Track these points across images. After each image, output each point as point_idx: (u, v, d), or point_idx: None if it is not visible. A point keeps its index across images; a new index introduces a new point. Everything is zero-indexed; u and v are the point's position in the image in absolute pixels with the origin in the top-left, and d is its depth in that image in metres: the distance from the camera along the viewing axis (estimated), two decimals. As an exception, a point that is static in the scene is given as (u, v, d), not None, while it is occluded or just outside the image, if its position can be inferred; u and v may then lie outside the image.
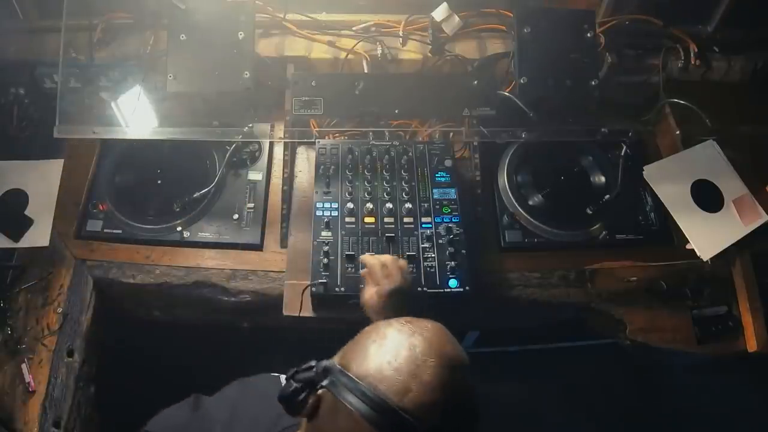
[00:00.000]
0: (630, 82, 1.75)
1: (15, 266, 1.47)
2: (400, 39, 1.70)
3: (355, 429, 0.70)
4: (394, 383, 0.70)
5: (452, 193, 1.46)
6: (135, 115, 1.56)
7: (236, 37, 1.53)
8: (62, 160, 1.62)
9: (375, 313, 1.16)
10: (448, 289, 1.32)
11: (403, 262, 1.23)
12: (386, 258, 1.22)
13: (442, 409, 0.71)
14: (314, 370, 0.76)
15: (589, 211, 1.56)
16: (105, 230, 1.52)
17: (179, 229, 1.51)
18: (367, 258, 1.24)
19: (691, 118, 1.64)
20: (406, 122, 1.67)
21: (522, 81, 1.56)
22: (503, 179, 1.60)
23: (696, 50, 1.71)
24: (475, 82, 1.57)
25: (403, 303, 1.16)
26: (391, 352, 0.74)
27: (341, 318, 1.39)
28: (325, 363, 0.77)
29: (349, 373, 0.73)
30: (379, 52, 1.66)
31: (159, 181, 1.60)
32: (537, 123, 1.55)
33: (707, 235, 1.53)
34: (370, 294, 1.18)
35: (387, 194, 1.45)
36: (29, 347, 1.37)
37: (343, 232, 1.39)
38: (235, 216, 1.54)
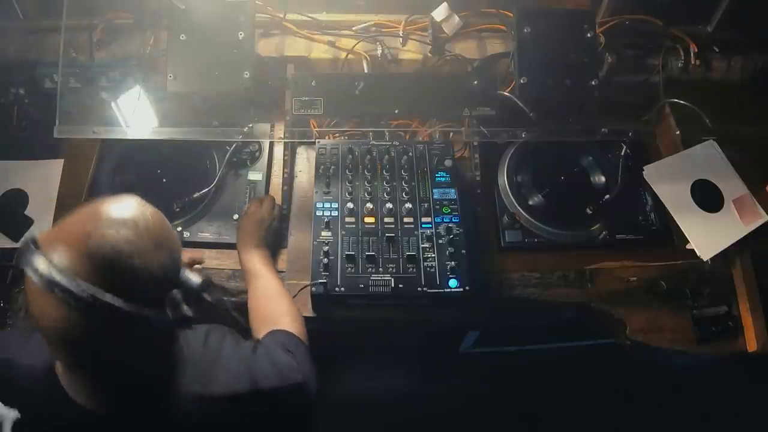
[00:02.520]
0: (630, 82, 1.75)
1: (15, 266, 1.47)
2: (400, 39, 1.70)
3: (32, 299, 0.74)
4: (56, 239, 0.73)
5: (452, 193, 1.46)
6: (135, 115, 1.56)
7: (236, 37, 1.53)
8: (62, 160, 1.62)
9: (239, 237, 1.39)
10: (448, 289, 1.32)
11: (271, 198, 1.48)
12: (263, 196, 1.52)
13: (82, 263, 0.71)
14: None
15: (589, 211, 1.56)
16: (105, 230, 1.52)
17: (179, 229, 1.51)
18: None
19: (691, 118, 1.64)
20: (406, 122, 1.67)
21: (522, 81, 1.56)
22: (503, 179, 1.60)
23: (696, 50, 1.71)
24: (475, 82, 1.57)
25: (260, 226, 1.39)
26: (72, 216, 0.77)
27: (341, 318, 1.39)
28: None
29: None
30: (379, 52, 1.66)
31: (159, 181, 1.59)
32: (537, 123, 1.55)
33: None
34: (242, 219, 1.41)
35: (387, 194, 1.45)
36: (29, 347, 1.37)
37: (343, 232, 1.39)
38: (235, 216, 1.54)
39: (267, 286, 1.28)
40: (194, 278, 0.82)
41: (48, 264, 0.70)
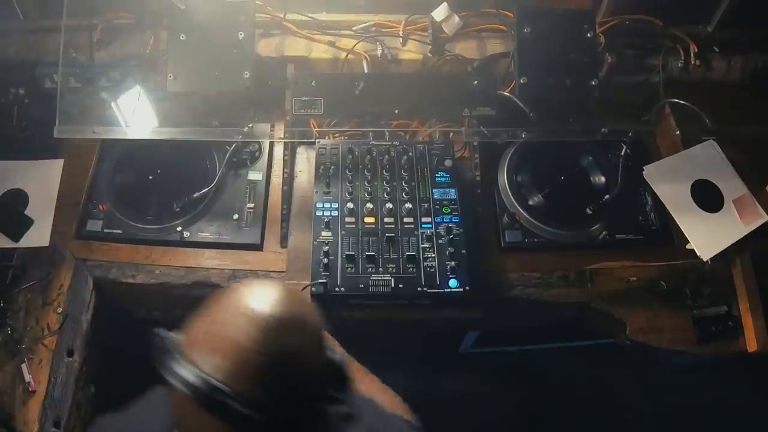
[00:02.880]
0: (630, 82, 1.75)
1: (15, 266, 1.47)
2: (400, 39, 1.70)
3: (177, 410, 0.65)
4: (203, 345, 0.64)
5: (452, 193, 1.46)
6: (135, 115, 1.56)
7: (236, 37, 1.53)
8: (62, 160, 1.62)
9: None
10: (448, 289, 1.32)
11: None
12: None
13: (258, 376, 0.62)
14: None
15: (589, 211, 1.56)
16: (105, 230, 1.52)
17: (179, 229, 1.51)
18: None
19: (691, 118, 1.64)
20: (406, 122, 1.67)
21: (522, 81, 1.56)
22: (503, 179, 1.60)
23: (696, 50, 1.72)
24: (475, 82, 1.57)
25: None
26: (211, 315, 0.67)
27: (341, 318, 1.39)
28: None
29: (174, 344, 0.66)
30: (379, 52, 1.66)
31: (159, 181, 1.59)
32: (537, 123, 1.55)
33: (707, 235, 1.53)
34: None
35: (387, 194, 1.45)
36: (29, 347, 1.37)
37: (343, 232, 1.39)
38: (235, 216, 1.54)
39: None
40: (336, 355, 0.74)
41: (200, 377, 0.61)
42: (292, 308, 0.70)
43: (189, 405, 0.63)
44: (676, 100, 1.68)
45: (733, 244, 1.51)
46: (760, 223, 1.55)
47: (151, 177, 1.60)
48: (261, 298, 0.69)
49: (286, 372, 0.65)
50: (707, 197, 1.58)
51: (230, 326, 0.65)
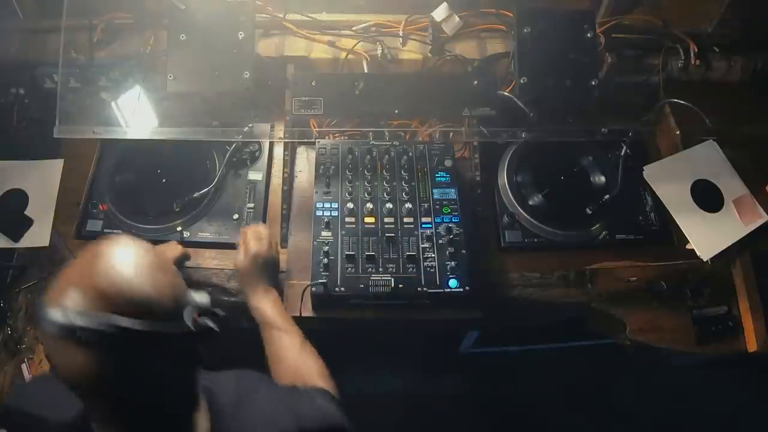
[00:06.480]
0: (630, 82, 1.75)
1: (15, 266, 1.47)
2: (400, 39, 1.70)
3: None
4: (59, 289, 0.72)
5: (452, 193, 1.46)
6: (135, 115, 1.56)
7: (236, 37, 1.53)
8: (62, 160, 1.62)
9: (242, 276, 1.32)
10: (448, 289, 1.32)
11: (269, 232, 1.38)
12: (258, 227, 1.39)
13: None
14: None
15: (589, 211, 1.56)
16: (105, 230, 1.52)
17: (179, 229, 1.51)
18: (243, 228, 1.40)
19: (691, 118, 1.64)
20: (406, 122, 1.66)
21: (522, 81, 1.56)
22: (503, 179, 1.60)
23: (696, 50, 1.71)
24: (475, 82, 1.57)
25: (265, 266, 1.32)
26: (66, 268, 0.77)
27: (341, 318, 1.39)
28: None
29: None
30: (379, 52, 1.66)
31: (159, 181, 1.59)
32: (537, 123, 1.55)
33: (707, 235, 1.53)
34: (239, 257, 1.32)
35: (387, 194, 1.45)
36: (29, 347, 1.37)
37: (343, 232, 1.39)
38: (235, 216, 1.54)
39: (287, 338, 1.22)
40: (202, 298, 0.82)
41: (62, 312, 0.69)
42: (151, 249, 0.81)
43: (60, 345, 0.70)
44: (676, 100, 1.67)
45: (733, 244, 1.51)
46: (760, 223, 1.55)
47: (151, 177, 1.60)
48: (121, 241, 0.80)
49: (139, 290, 0.73)
50: (707, 197, 1.58)
51: (86, 264, 0.75)
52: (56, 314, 0.69)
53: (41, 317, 0.71)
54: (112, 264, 0.74)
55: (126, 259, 0.76)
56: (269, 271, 1.34)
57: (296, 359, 1.19)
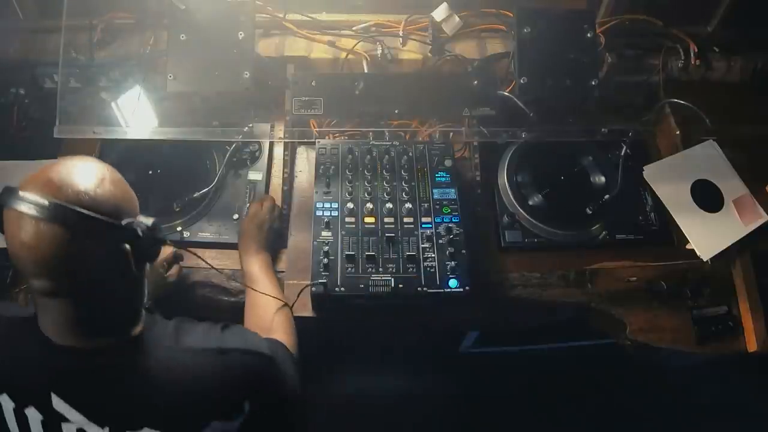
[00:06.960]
0: (630, 82, 1.75)
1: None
2: (400, 39, 1.70)
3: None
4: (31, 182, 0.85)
5: (452, 193, 1.46)
6: (135, 115, 1.56)
7: (236, 37, 1.53)
8: (62, 160, 1.62)
9: (239, 240, 1.40)
10: (448, 289, 1.32)
11: (272, 199, 1.48)
12: (264, 196, 1.50)
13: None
14: None
15: (589, 211, 1.56)
16: (105, 230, 1.52)
17: (179, 229, 1.51)
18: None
19: (691, 118, 1.64)
20: (406, 122, 1.67)
21: (522, 81, 1.56)
22: (503, 179, 1.60)
23: (696, 50, 1.72)
24: (475, 82, 1.57)
25: (261, 229, 1.40)
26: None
27: (341, 318, 1.39)
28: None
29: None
30: (379, 52, 1.66)
31: (159, 181, 1.59)
32: (537, 123, 1.55)
33: (707, 235, 1.53)
34: (243, 222, 1.42)
35: (387, 194, 1.45)
36: (29, 347, 1.37)
37: (343, 232, 1.39)
38: (235, 216, 1.54)
39: (264, 297, 1.27)
40: (147, 220, 0.90)
41: (23, 194, 0.81)
42: (101, 164, 0.91)
43: (16, 221, 0.81)
44: (676, 100, 1.68)
45: (733, 244, 1.51)
46: (760, 223, 1.55)
47: (151, 177, 1.59)
48: (85, 157, 0.91)
49: (98, 191, 0.85)
50: (707, 197, 1.58)
51: (50, 168, 0.86)
52: (18, 193, 0.82)
53: (4, 197, 0.83)
54: (77, 168, 0.86)
55: (91, 165, 0.88)
56: (267, 236, 1.40)
57: (266, 313, 1.23)
